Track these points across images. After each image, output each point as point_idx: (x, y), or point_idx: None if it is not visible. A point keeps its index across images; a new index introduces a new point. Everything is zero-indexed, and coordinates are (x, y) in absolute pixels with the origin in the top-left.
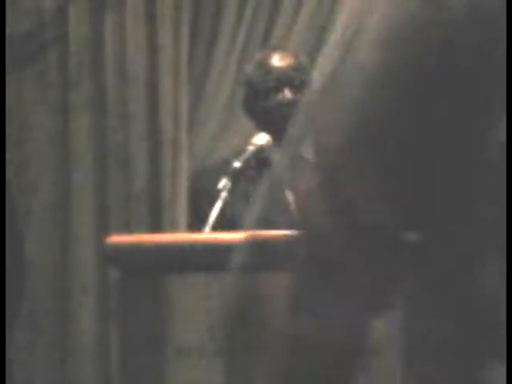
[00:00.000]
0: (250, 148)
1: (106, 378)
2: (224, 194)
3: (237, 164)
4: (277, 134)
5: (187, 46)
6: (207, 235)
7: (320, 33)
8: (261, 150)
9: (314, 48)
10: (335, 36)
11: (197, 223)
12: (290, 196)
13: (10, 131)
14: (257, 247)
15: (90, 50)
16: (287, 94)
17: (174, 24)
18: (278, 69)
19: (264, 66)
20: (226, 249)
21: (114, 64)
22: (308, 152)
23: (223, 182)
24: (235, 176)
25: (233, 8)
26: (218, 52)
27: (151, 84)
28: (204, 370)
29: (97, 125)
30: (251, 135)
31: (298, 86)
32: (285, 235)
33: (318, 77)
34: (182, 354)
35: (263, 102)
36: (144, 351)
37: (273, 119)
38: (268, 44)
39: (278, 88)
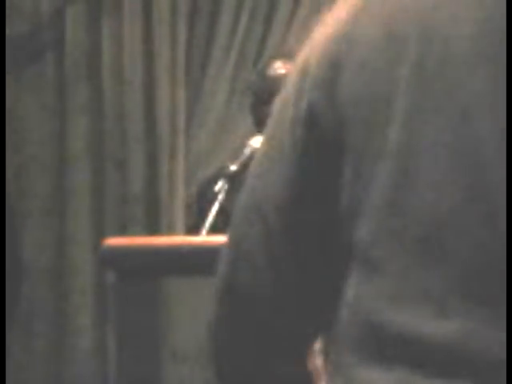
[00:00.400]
0: (247, 150)
1: (103, 380)
2: (220, 197)
3: (233, 167)
4: None
5: (184, 49)
6: (204, 238)
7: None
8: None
9: None
10: None
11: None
12: None
13: (6, 134)
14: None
15: (86, 53)
16: None
17: (170, 28)
18: (280, 77)
19: (266, 74)
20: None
21: (111, 67)
22: None
23: (219, 185)
24: (232, 178)
25: (229, 11)
26: (215, 55)
27: (148, 87)
28: (200, 373)
29: (93, 127)
30: (248, 138)
31: None
32: None
33: None
34: (178, 357)
35: (267, 111)
36: (140, 354)
37: None
38: (264, 47)
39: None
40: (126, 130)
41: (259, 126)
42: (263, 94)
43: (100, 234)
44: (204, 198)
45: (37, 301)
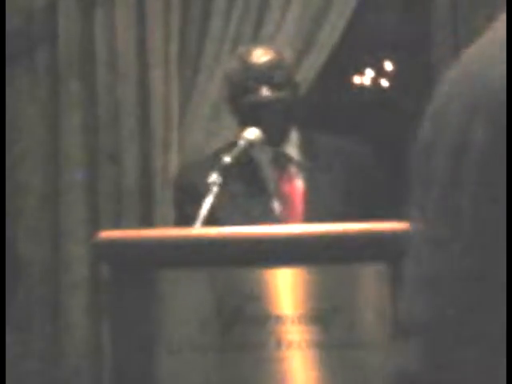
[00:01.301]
0: (241, 142)
1: (99, 374)
2: (215, 189)
3: (227, 159)
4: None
5: (177, 42)
6: (198, 230)
7: (310, 28)
8: (251, 144)
9: (304, 43)
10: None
11: (180, 220)
12: (275, 204)
13: None
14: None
15: (79, 47)
16: (265, 92)
17: (164, 21)
18: (257, 66)
19: (244, 62)
20: (217, 244)
21: (104, 61)
22: (293, 151)
23: (213, 177)
24: (226, 171)
25: (222, 4)
26: (208, 48)
27: (141, 81)
28: (195, 366)
29: (87, 122)
30: (241, 131)
31: (278, 83)
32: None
33: None
34: (173, 350)
35: (242, 99)
36: (136, 347)
37: (251, 118)
38: (258, 40)
39: (257, 85)
40: (119, 124)
41: (239, 116)
42: (244, 83)
43: (94, 228)
44: (182, 189)
45: (32, 295)
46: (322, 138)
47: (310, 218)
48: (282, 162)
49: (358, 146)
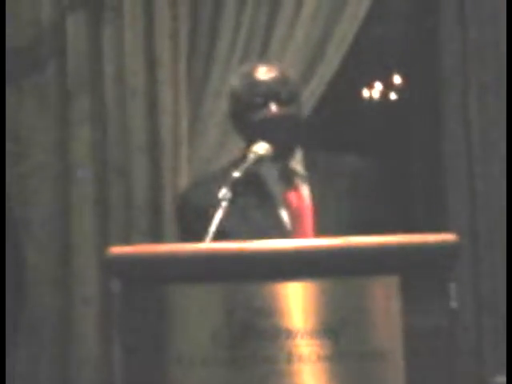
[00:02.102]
0: (251, 156)
1: None
2: (224, 204)
3: (237, 174)
4: None
5: (186, 57)
6: (208, 245)
7: (317, 45)
8: (261, 158)
9: (312, 60)
10: None
11: (185, 239)
12: (282, 212)
13: (9, 144)
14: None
15: (88, 62)
16: (273, 108)
17: (172, 36)
18: (264, 82)
19: (249, 79)
20: (227, 259)
21: (113, 76)
22: (299, 166)
23: (223, 192)
24: (235, 186)
25: (230, 20)
26: (217, 63)
27: (150, 96)
28: (206, 381)
29: (96, 136)
30: (248, 148)
31: (285, 99)
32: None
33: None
34: (183, 365)
35: (249, 117)
36: (146, 361)
37: (259, 134)
38: (265, 56)
39: (264, 102)
40: (128, 138)
41: (241, 132)
42: (247, 99)
43: (104, 242)
44: (187, 208)
45: (42, 309)
46: (324, 155)
47: (319, 231)
48: (289, 176)
49: (361, 161)
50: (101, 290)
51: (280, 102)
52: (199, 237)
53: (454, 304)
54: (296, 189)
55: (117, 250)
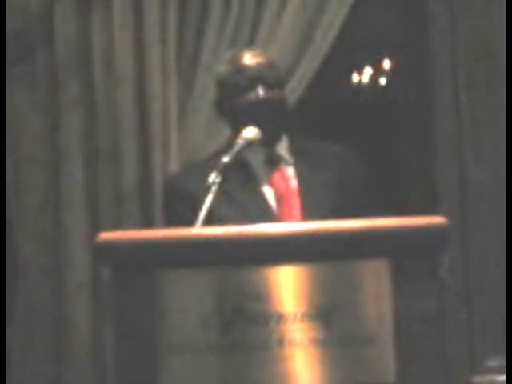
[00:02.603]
0: (239, 142)
1: (101, 374)
2: (214, 189)
3: (226, 158)
4: None
5: (175, 43)
6: (198, 230)
7: (305, 31)
8: (250, 143)
9: (301, 44)
10: None
11: (172, 226)
12: (267, 192)
13: None
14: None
15: (77, 48)
16: (261, 92)
17: (161, 22)
18: (251, 67)
19: (236, 64)
20: (217, 243)
21: (102, 61)
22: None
23: (213, 177)
24: (224, 170)
25: (219, 5)
26: (206, 48)
27: (139, 81)
28: (197, 366)
29: (86, 123)
30: (235, 133)
31: (272, 84)
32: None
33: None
34: (174, 350)
35: (236, 101)
36: (137, 347)
37: (246, 118)
38: (254, 41)
39: (251, 86)
40: (118, 124)
41: (227, 117)
42: (234, 84)
43: (95, 229)
44: (174, 194)
45: (33, 297)
46: (310, 142)
47: (305, 216)
48: (275, 161)
49: (346, 148)
50: (93, 277)
51: (267, 86)
52: (187, 223)
53: (444, 287)
54: (281, 173)
55: (107, 235)
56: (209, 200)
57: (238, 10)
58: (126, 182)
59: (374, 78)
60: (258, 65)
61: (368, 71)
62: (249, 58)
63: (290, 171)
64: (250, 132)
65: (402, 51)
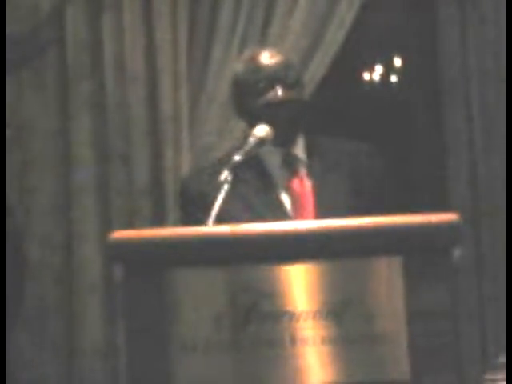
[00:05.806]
0: (251, 140)
1: (114, 373)
2: (226, 187)
3: (237, 157)
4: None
5: (185, 44)
6: (211, 229)
7: (316, 30)
8: (262, 141)
9: (312, 42)
10: None
11: (187, 225)
12: (284, 198)
13: (10, 132)
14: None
15: (88, 50)
16: (279, 92)
17: (171, 22)
18: (269, 67)
19: (253, 64)
20: (230, 242)
21: (113, 63)
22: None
23: (224, 175)
24: (236, 168)
25: (230, 5)
26: (216, 49)
27: (150, 82)
28: (210, 365)
29: (97, 124)
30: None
31: (290, 84)
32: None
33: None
34: (187, 348)
35: (254, 101)
36: (150, 346)
37: (264, 118)
38: (265, 40)
39: (269, 86)
40: (130, 125)
41: (245, 117)
42: (252, 84)
43: (107, 229)
44: (189, 194)
45: (46, 298)
46: (326, 140)
47: (320, 216)
48: (291, 163)
49: (361, 146)
50: (105, 276)
51: (285, 86)
52: (201, 222)
53: (457, 284)
54: (298, 175)
55: (119, 234)
56: (221, 197)
57: (248, 10)
58: (137, 181)
59: (384, 76)
60: (276, 64)
61: (379, 69)
62: (267, 58)
63: (306, 173)
64: (262, 130)
65: (413, 49)
